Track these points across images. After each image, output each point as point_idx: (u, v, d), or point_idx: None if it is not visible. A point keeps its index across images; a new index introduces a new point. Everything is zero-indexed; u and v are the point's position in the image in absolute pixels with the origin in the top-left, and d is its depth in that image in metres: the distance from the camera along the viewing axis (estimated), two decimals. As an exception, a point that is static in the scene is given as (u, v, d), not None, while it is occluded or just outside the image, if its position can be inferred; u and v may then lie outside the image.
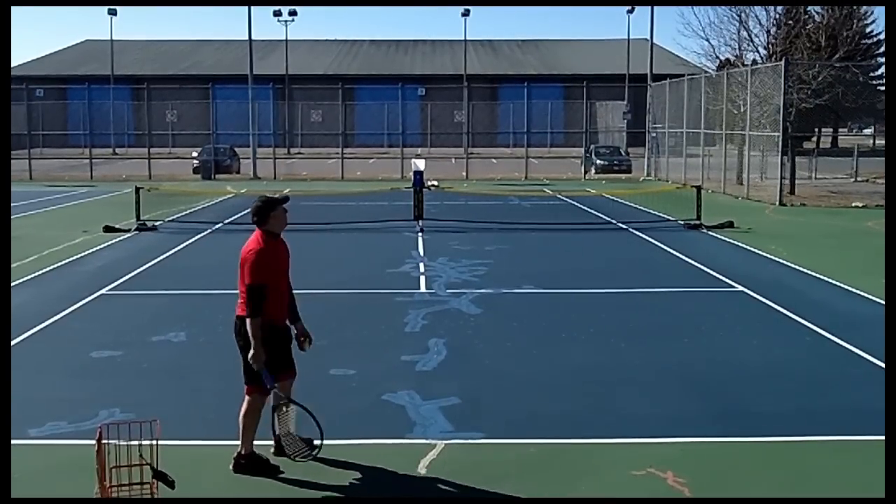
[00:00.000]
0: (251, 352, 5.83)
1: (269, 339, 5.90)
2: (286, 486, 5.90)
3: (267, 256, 5.92)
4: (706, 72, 32.38)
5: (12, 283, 12.36)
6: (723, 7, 31.44)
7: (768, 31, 31.13)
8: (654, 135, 37.68)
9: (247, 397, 6.07)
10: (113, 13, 58.91)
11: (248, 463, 6.05)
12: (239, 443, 6.06)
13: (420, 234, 18.10)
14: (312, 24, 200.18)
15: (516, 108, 44.22)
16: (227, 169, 37.93)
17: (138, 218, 19.41)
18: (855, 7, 40.11)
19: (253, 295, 5.81)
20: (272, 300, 5.91)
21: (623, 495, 5.71)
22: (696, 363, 8.74)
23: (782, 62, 25.49)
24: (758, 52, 31.33)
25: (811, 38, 31.68)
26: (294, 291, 6.34)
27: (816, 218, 21.79)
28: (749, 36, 31.11)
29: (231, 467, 6.04)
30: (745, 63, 30.53)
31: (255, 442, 6.09)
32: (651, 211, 22.25)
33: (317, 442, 5.97)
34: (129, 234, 18.23)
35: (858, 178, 33.74)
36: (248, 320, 5.82)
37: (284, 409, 6.00)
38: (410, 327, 10.15)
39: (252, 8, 38.57)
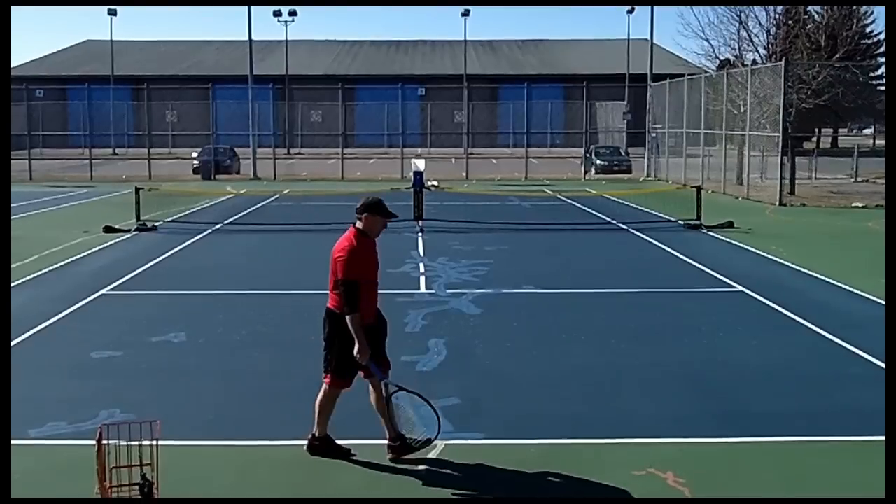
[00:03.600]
0: (356, 346, 5.97)
1: None
2: (286, 486, 5.91)
3: (359, 254, 6.14)
4: (706, 72, 32.35)
5: (12, 284, 12.37)
6: (722, 7, 31.45)
7: (768, 32, 31.14)
8: (654, 135, 37.67)
9: (325, 386, 6.27)
10: (113, 13, 58.99)
11: (322, 444, 6.29)
12: (315, 427, 6.28)
13: (420, 234, 18.09)
14: (312, 25, 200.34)
15: (516, 109, 44.17)
16: (227, 169, 37.93)
17: (138, 218, 19.41)
18: (855, 7, 40.09)
19: (347, 291, 5.96)
20: (364, 297, 6.08)
21: (623, 495, 5.72)
22: (696, 363, 8.74)
23: (782, 62, 25.49)
24: (757, 52, 31.36)
25: (811, 38, 31.64)
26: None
27: (816, 218, 21.79)
28: (749, 36, 31.13)
29: (306, 449, 6.28)
30: (745, 63, 30.51)
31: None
32: (651, 211, 22.25)
33: (431, 437, 6.14)
34: (129, 235, 18.23)
35: (858, 179, 33.74)
36: (347, 318, 5.97)
37: (393, 399, 6.19)
38: (410, 327, 10.14)
39: (252, 8, 38.68)
